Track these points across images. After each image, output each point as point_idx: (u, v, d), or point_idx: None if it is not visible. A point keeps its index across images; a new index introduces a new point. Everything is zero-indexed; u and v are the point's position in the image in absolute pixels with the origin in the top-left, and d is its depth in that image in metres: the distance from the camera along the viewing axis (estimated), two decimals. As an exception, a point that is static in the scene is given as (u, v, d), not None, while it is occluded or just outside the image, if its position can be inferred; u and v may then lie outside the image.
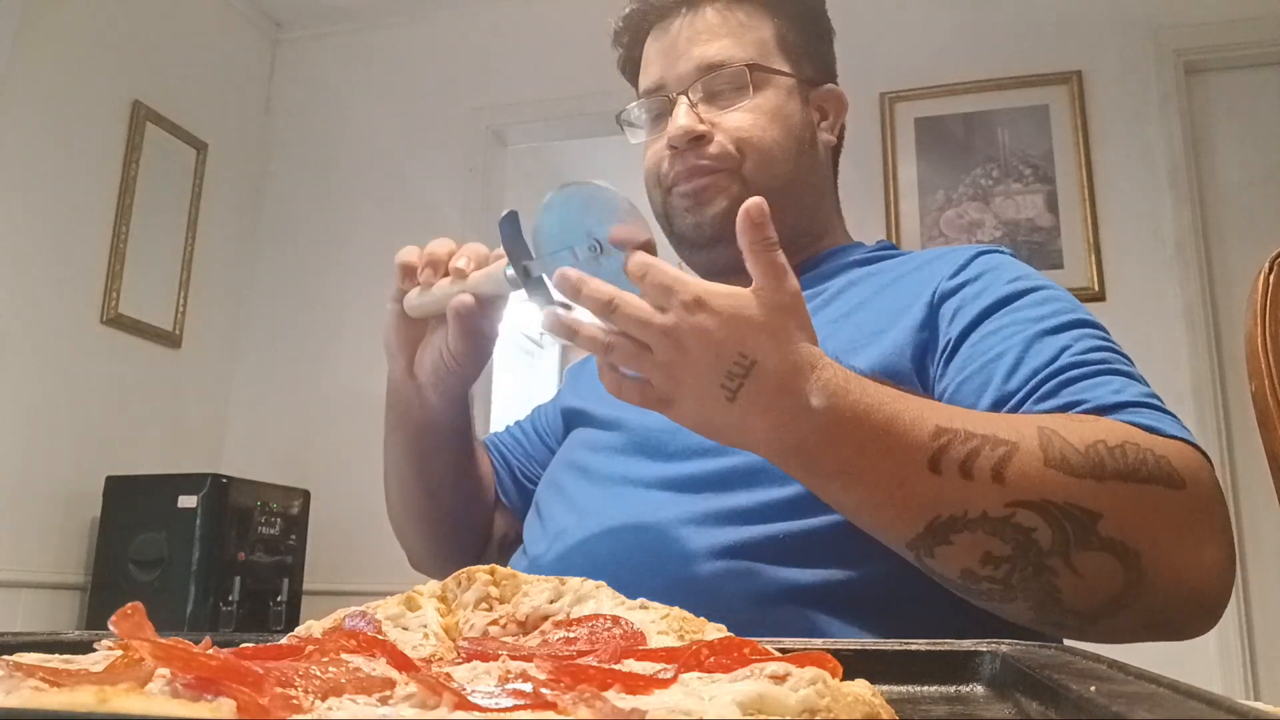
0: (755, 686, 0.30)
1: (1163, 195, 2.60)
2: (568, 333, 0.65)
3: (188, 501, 2.45)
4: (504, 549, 1.00)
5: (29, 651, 0.38)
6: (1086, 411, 0.66)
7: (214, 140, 3.12)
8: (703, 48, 0.91)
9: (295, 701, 0.29)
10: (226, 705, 0.28)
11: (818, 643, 0.47)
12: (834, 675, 0.32)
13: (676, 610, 0.45)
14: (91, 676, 0.32)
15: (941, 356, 0.77)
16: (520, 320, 4.40)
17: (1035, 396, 0.69)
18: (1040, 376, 0.69)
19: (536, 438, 1.07)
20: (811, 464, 0.63)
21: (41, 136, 2.56)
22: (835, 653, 0.35)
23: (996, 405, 0.70)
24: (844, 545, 0.70)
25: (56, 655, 0.37)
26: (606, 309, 0.63)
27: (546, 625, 0.46)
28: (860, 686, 0.32)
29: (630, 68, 1.01)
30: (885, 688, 0.37)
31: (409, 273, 0.82)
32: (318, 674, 0.32)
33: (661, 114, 0.94)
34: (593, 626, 0.44)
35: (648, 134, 0.96)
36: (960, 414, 0.63)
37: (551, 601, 0.47)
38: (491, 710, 0.28)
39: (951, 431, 0.61)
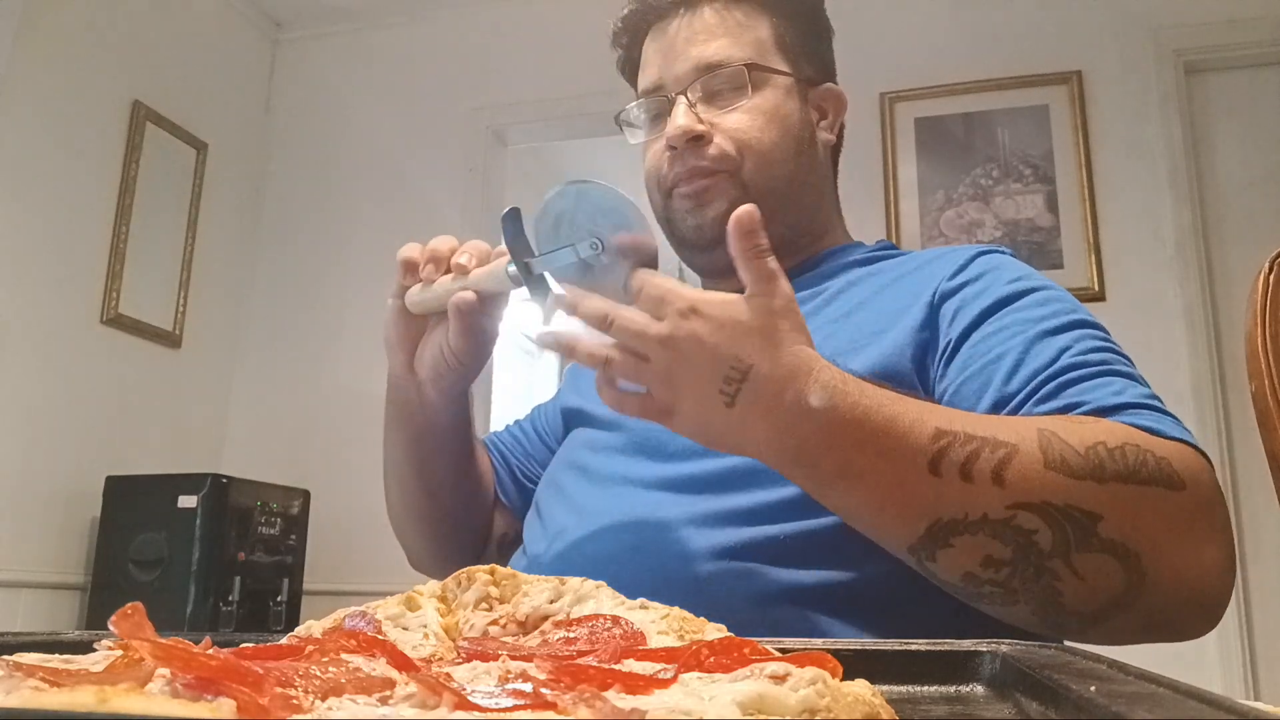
0: (755, 686, 0.30)
1: (1163, 195, 2.60)
2: (566, 349, 0.66)
3: (188, 501, 2.45)
4: (504, 549, 1.00)
5: (29, 651, 0.38)
6: (1087, 413, 0.66)
7: (214, 140, 3.12)
8: (701, 48, 0.91)
9: (295, 701, 0.29)
10: (226, 705, 0.28)
11: (818, 643, 0.47)
12: (834, 675, 0.32)
13: (676, 610, 0.45)
14: (91, 676, 0.32)
15: (942, 357, 0.77)
16: (521, 320, 4.40)
17: (1036, 398, 0.69)
18: (1041, 378, 0.69)
19: (536, 437, 1.07)
20: (813, 466, 0.63)
21: (41, 136, 2.56)
22: (835, 653, 0.35)
23: (997, 406, 0.70)
24: (844, 546, 0.70)
25: (56, 655, 0.37)
26: (604, 324, 0.64)
27: (546, 625, 0.46)
28: (860, 686, 0.32)
29: (629, 68, 1.01)
30: (885, 688, 0.37)
31: (411, 269, 0.82)
32: (318, 674, 0.32)
33: (660, 114, 0.94)
34: (593, 626, 0.44)
35: (647, 134, 0.96)
36: (960, 416, 0.63)
37: (551, 601, 0.47)
38: (491, 710, 0.28)
39: (951, 434, 0.61)
